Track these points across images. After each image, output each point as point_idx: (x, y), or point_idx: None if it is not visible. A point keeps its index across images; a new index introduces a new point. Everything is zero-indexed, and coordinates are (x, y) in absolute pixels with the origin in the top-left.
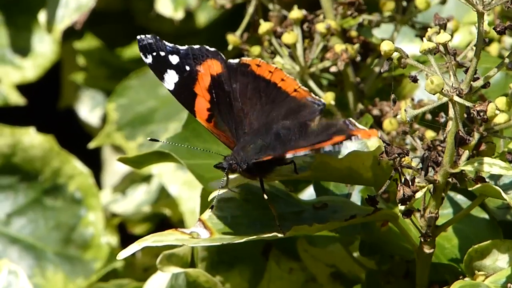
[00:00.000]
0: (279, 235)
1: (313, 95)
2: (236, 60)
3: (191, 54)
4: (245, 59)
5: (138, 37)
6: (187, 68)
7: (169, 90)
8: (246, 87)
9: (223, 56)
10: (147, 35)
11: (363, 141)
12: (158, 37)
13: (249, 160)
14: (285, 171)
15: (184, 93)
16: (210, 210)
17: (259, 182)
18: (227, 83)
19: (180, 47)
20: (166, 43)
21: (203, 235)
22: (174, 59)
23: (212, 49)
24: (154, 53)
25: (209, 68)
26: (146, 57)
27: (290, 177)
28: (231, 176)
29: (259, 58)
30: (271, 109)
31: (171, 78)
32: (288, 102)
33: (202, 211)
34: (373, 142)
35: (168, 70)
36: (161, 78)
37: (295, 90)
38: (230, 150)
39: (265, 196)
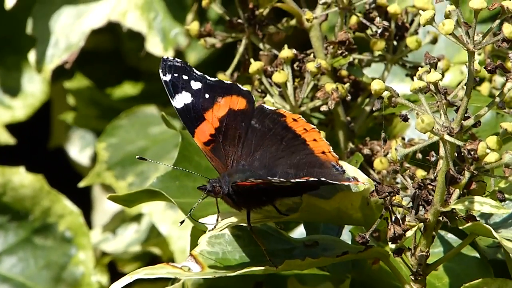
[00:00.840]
0: (271, 268)
1: (340, 162)
2: (272, 108)
3: (219, 86)
4: (283, 111)
5: (165, 56)
6: (206, 96)
7: (175, 107)
8: (269, 131)
9: (253, 97)
10: (176, 59)
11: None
12: (187, 63)
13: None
14: (273, 212)
15: (192, 114)
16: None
17: (246, 216)
18: (245, 120)
19: (209, 78)
20: (195, 70)
21: (194, 269)
22: (196, 85)
23: (245, 88)
24: (176, 75)
25: (231, 102)
26: (164, 75)
27: (279, 219)
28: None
29: (300, 115)
30: (284, 156)
31: (183, 98)
32: (309, 157)
33: (192, 249)
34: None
35: (184, 92)
36: (172, 96)
37: (323, 153)
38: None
39: (251, 229)
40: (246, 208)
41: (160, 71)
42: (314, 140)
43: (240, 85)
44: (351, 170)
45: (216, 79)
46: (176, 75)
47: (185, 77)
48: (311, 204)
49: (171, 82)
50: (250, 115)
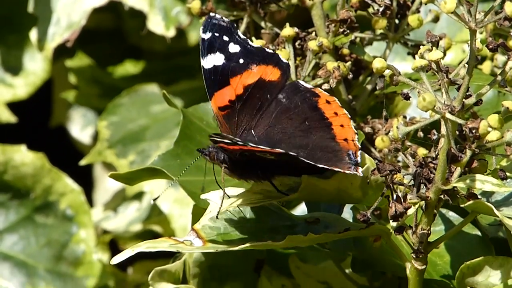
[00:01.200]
0: (274, 243)
1: (358, 153)
2: (309, 86)
3: (258, 54)
4: (319, 90)
5: (211, 14)
6: (241, 61)
7: (202, 66)
8: (295, 108)
9: (290, 71)
10: (223, 18)
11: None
12: (234, 24)
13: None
14: (273, 192)
15: (217, 77)
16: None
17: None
18: (272, 92)
19: (251, 43)
20: (240, 33)
21: (196, 243)
22: (234, 48)
23: (286, 61)
24: (217, 34)
25: (264, 71)
26: (204, 32)
27: (278, 199)
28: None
29: (335, 98)
30: (300, 136)
31: (214, 59)
32: (326, 141)
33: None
34: (362, 161)
35: (218, 53)
36: (204, 55)
37: (345, 139)
38: None
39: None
40: (243, 179)
41: (202, 28)
42: (341, 125)
43: (281, 56)
44: None
45: (259, 45)
46: (217, 34)
47: (225, 38)
48: (310, 184)
49: (208, 41)
50: (279, 89)
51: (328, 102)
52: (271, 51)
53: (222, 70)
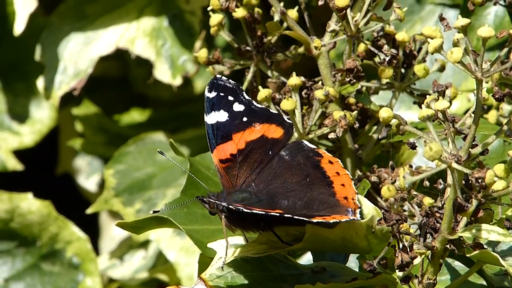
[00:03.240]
0: None
1: (358, 211)
2: (312, 146)
3: (263, 113)
4: (322, 151)
5: (218, 75)
6: (244, 119)
7: (206, 121)
8: (298, 165)
9: (294, 130)
10: (230, 80)
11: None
12: (240, 86)
13: (228, 202)
14: (278, 242)
15: (220, 132)
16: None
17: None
18: (274, 149)
19: (256, 104)
20: (245, 94)
21: None
22: (238, 107)
23: (290, 121)
24: (222, 94)
25: (267, 130)
26: (210, 92)
27: (283, 249)
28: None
29: (338, 159)
30: (298, 190)
31: (218, 116)
32: (325, 197)
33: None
34: (367, 210)
35: (222, 111)
36: (208, 112)
37: (345, 198)
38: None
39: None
40: (241, 229)
41: (207, 87)
42: (342, 185)
43: (285, 116)
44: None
45: (263, 106)
46: (222, 94)
47: (230, 98)
48: (315, 233)
49: (213, 100)
50: (282, 146)
51: (330, 162)
52: (275, 111)
53: (225, 126)
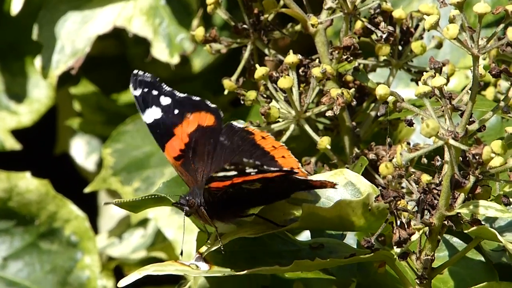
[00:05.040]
0: (280, 268)
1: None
2: (241, 125)
3: (188, 102)
4: (251, 128)
5: (135, 71)
6: (176, 111)
7: (145, 122)
8: (238, 148)
9: (221, 114)
10: (146, 73)
11: (356, 187)
12: (157, 78)
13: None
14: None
15: (161, 129)
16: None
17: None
18: (214, 136)
19: (178, 93)
20: (164, 86)
21: (202, 267)
22: (165, 100)
23: (213, 105)
24: (146, 89)
25: (200, 118)
26: (135, 89)
27: (280, 229)
28: None
29: (267, 132)
30: None
31: (153, 113)
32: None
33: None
34: (364, 188)
35: (154, 107)
36: (142, 111)
37: (292, 169)
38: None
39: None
40: (219, 220)
41: (131, 85)
42: (283, 157)
43: (208, 102)
44: (353, 176)
45: (185, 95)
46: (146, 90)
47: (155, 92)
48: (311, 213)
49: (141, 97)
50: (219, 132)
51: (263, 137)
52: (197, 98)
53: (164, 123)
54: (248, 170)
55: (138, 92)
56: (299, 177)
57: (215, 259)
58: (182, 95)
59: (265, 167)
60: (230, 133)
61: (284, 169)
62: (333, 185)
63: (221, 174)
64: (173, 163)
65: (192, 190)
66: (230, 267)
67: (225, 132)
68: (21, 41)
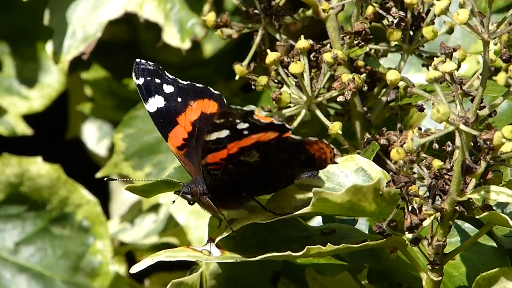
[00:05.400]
0: (292, 253)
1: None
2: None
3: (191, 89)
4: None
5: (137, 60)
6: (179, 99)
7: (148, 111)
8: None
9: (224, 100)
10: (148, 62)
11: (366, 173)
12: (160, 66)
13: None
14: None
15: (165, 119)
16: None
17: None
18: None
19: (181, 81)
20: (167, 73)
21: (214, 253)
22: (168, 88)
23: (217, 92)
24: (149, 78)
25: (203, 106)
26: (137, 78)
27: (290, 215)
28: None
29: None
30: None
31: (156, 102)
32: None
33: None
34: (375, 174)
35: (157, 96)
36: (145, 100)
37: None
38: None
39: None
40: (225, 208)
41: (133, 74)
42: None
43: (211, 89)
44: (364, 162)
45: (188, 82)
46: (148, 78)
47: (157, 80)
48: (322, 198)
49: (144, 86)
50: None
51: None
52: (201, 85)
53: (167, 111)
54: (239, 125)
55: (141, 81)
56: (295, 138)
57: (227, 245)
58: (185, 82)
59: (255, 117)
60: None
61: (276, 123)
62: (332, 155)
63: (214, 135)
64: (176, 153)
65: (195, 178)
66: (242, 253)
67: None
68: (33, 26)
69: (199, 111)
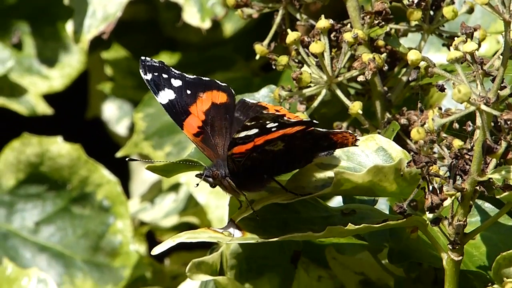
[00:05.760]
0: (313, 234)
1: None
2: (254, 101)
3: (199, 83)
4: (264, 103)
5: (142, 57)
6: (188, 92)
7: (160, 103)
8: None
9: (232, 91)
10: (153, 59)
11: (387, 153)
12: (164, 63)
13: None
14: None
15: (177, 109)
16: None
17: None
18: (229, 113)
19: (188, 75)
20: (173, 69)
21: (235, 234)
22: (176, 82)
23: (224, 84)
24: (156, 74)
25: (212, 96)
26: (145, 74)
27: (311, 195)
28: None
29: (281, 106)
30: None
31: (166, 95)
32: None
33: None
34: (395, 154)
35: (166, 89)
36: (156, 93)
37: None
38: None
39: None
40: (247, 191)
41: (141, 71)
42: None
43: (218, 81)
44: (384, 141)
45: (195, 76)
46: (156, 74)
47: (165, 75)
48: (343, 178)
49: (153, 81)
50: (233, 108)
51: (277, 111)
52: (207, 78)
53: (178, 103)
54: (269, 125)
55: (149, 76)
56: (320, 130)
57: (248, 226)
58: (192, 76)
59: (285, 118)
60: (244, 109)
61: (304, 120)
62: (354, 141)
63: (242, 134)
64: (193, 139)
65: (216, 162)
66: (263, 234)
67: (239, 108)
68: (53, 5)
69: (209, 102)
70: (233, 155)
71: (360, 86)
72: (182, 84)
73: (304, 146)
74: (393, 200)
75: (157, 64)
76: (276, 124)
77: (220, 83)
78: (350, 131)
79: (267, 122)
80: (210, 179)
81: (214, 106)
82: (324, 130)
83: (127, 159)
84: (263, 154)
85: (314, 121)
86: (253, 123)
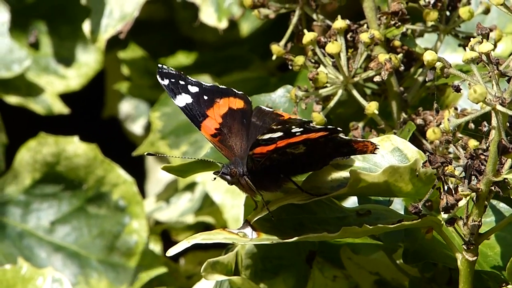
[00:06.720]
0: (328, 235)
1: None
2: (271, 109)
3: (216, 90)
4: (280, 111)
5: (159, 65)
6: (205, 97)
7: (178, 106)
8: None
9: (249, 98)
10: (170, 68)
11: (402, 153)
12: (181, 72)
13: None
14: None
15: (195, 112)
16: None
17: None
18: (246, 118)
19: (204, 83)
20: (190, 77)
21: (250, 235)
22: (193, 89)
23: (240, 92)
24: (173, 80)
25: (229, 102)
26: (162, 79)
27: (327, 195)
28: None
29: (295, 113)
30: None
31: (184, 99)
32: None
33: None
34: (411, 154)
35: (183, 94)
36: (174, 97)
37: None
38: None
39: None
40: (264, 189)
41: (158, 77)
42: None
43: (234, 89)
44: (400, 142)
45: (212, 84)
46: (173, 80)
47: (182, 82)
48: (359, 179)
49: (169, 86)
50: (250, 114)
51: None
52: (224, 86)
53: (195, 106)
54: (294, 130)
55: (166, 82)
56: (343, 137)
57: (263, 227)
58: (209, 84)
59: (311, 125)
60: (260, 115)
61: (329, 127)
62: (373, 149)
63: (267, 136)
64: (211, 140)
65: (234, 160)
66: (278, 235)
67: (256, 114)
68: (70, 5)
69: (226, 106)
70: (253, 155)
71: (376, 86)
72: (199, 90)
73: (325, 151)
74: (408, 201)
75: (174, 72)
76: (302, 129)
77: (236, 91)
78: (372, 141)
79: (293, 126)
80: (228, 177)
81: (231, 110)
82: (347, 138)
83: (145, 153)
84: (283, 155)
85: (338, 128)
86: (279, 126)
